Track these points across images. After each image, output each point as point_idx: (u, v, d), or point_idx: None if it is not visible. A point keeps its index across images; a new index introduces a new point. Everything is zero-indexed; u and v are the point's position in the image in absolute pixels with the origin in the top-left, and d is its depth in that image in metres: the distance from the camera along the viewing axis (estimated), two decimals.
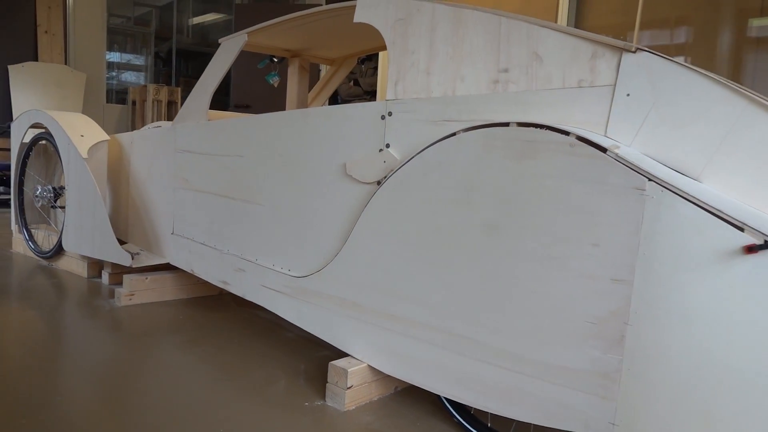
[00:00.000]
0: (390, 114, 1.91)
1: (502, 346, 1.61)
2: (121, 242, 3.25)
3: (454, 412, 1.82)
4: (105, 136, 3.35)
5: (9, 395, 1.86)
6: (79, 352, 2.25)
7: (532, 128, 1.56)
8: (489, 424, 1.82)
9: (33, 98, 5.69)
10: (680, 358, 1.34)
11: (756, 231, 1.25)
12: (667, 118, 1.51)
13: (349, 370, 1.91)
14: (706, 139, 1.47)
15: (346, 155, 2.03)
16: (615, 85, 1.56)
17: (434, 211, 1.76)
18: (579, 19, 4.36)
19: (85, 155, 3.18)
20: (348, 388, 1.91)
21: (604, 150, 1.45)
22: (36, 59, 6.32)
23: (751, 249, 1.25)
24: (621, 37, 4.11)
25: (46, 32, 6.47)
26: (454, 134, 1.72)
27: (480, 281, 1.65)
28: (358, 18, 2.05)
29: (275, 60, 3.36)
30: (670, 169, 1.47)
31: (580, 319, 1.48)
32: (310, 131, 2.17)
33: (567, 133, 1.50)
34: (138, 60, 8.68)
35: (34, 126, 3.73)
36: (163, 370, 2.13)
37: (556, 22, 4.49)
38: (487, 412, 1.88)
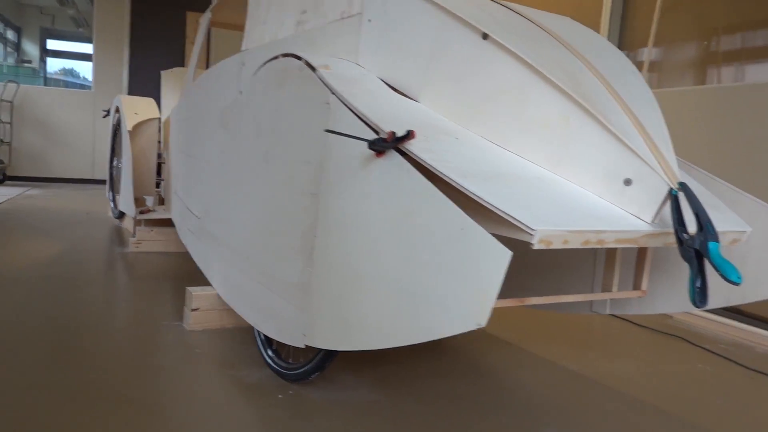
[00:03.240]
0: (244, 64, 2.09)
1: (265, 267, 1.70)
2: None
3: (258, 340, 1.93)
4: (158, 115, 3.93)
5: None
6: (69, 269, 2.75)
7: (281, 58, 1.65)
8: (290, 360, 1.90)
9: (178, 98, 6.71)
10: (340, 267, 1.34)
11: (387, 132, 1.22)
12: (394, 40, 1.51)
13: (193, 294, 2.11)
14: (419, 59, 1.44)
15: (224, 103, 2.25)
16: (362, 12, 1.59)
17: (243, 143, 1.90)
18: None
19: (129, 128, 3.78)
20: (194, 309, 2.11)
21: (314, 70, 1.50)
22: (183, 66, 7.43)
23: (378, 152, 1.23)
24: None
25: (192, 43, 7.58)
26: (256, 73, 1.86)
27: (259, 208, 1.76)
28: None
29: None
30: (387, 89, 1.47)
31: (296, 234, 1.53)
32: (208, 89, 2.43)
33: (300, 59, 1.57)
34: None
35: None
36: (97, 284, 2.53)
37: None
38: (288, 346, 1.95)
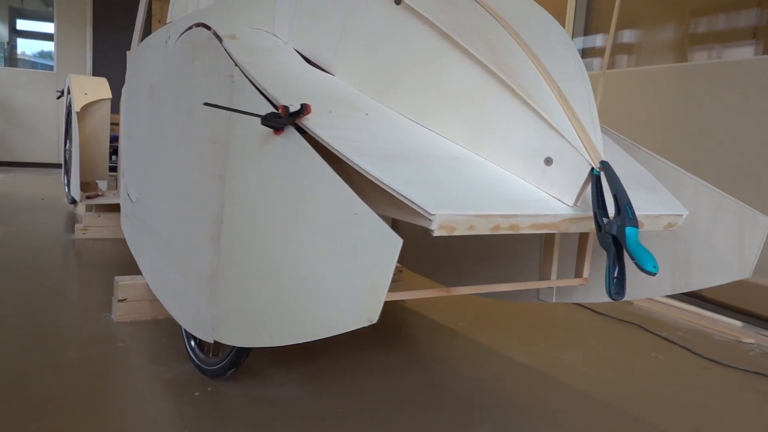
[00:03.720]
0: (169, 37, 1.95)
1: (182, 255, 1.58)
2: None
3: (183, 333, 1.81)
4: (109, 96, 3.76)
5: None
6: (8, 257, 2.62)
7: (194, 28, 1.52)
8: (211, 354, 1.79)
9: None
10: (242, 256, 1.22)
11: (280, 107, 1.10)
12: (308, 9, 1.38)
13: (120, 283, 1.99)
14: (332, 29, 1.32)
15: (152, 80, 2.11)
16: None
17: (165, 122, 1.77)
18: None
19: (78, 109, 3.61)
20: (121, 300, 1.99)
21: (221, 41, 1.37)
22: None
23: (276, 129, 1.11)
24: None
25: (159, 21, 7.35)
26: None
27: (177, 191, 1.64)
28: None
29: None
30: (300, 61, 1.34)
31: (206, 221, 1.41)
32: (140, 65, 2.28)
33: (209, 29, 1.44)
34: None
35: None
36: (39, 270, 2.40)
37: None
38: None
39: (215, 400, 1.48)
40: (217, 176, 1.34)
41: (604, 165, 1.02)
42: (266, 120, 1.07)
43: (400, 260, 2.43)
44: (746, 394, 1.76)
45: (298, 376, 1.66)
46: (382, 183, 0.96)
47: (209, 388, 1.54)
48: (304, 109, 1.04)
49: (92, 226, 3.27)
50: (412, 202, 0.93)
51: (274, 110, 1.08)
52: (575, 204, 1.07)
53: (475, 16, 1.22)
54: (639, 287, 1.60)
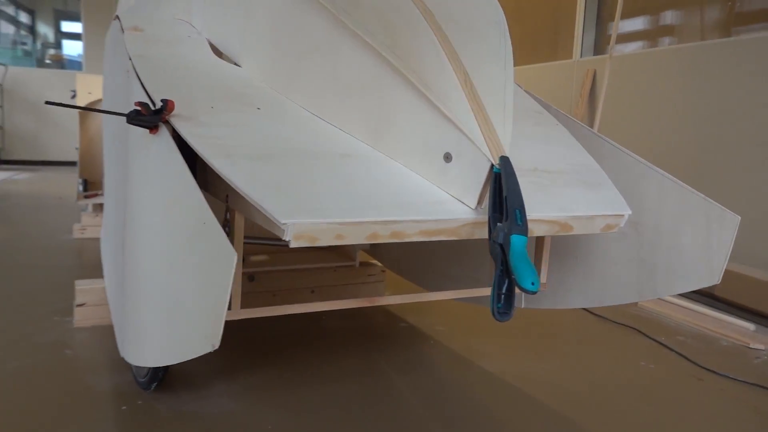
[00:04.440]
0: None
1: (117, 263, 1.50)
2: None
3: None
4: None
5: None
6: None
7: (115, 20, 1.43)
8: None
9: None
10: (129, 267, 1.13)
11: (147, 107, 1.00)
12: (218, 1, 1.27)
13: (78, 288, 1.94)
14: (237, 17, 1.21)
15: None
16: None
17: (108, 120, 1.70)
18: None
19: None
20: (80, 305, 1.94)
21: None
22: None
23: (150, 128, 1.00)
24: None
25: None
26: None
27: (114, 195, 1.56)
28: None
29: None
30: (207, 53, 1.24)
31: (121, 228, 1.32)
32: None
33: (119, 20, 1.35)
34: None
35: None
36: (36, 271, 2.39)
37: None
38: None
39: (141, 414, 1.40)
40: (123, 180, 1.26)
41: (503, 161, 0.87)
42: (130, 119, 0.96)
43: (381, 260, 2.31)
44: (740, 412, 1.57)
45: (239, 388, 1.56)
46: (236, 186, 0.84)
47: (140, 402, 1.46)
48: (165, 106, 0.93)
49: (90, 226, 3.26)
50: (263, 209, 0.81)
51: (136, 108, 0.98)
52: (479, 206, 0.93)
53: None
54: (603, 293, 1.44)
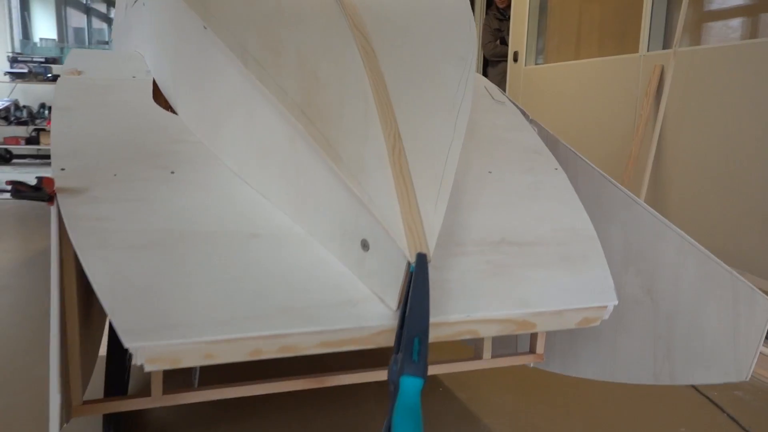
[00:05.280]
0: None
1: None
2: None
3: None
4: None
5: None
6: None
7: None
8: None
9: None
10: None
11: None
12: (156, 29, 1.13)
13: None
14: (169, 54, 1.07)
15: None
16: None
17: None
18: None
19: None
20: None
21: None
22: None
23: (48, 201, 0.89)
24: None
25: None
26: None
27: None
28: None
29: None
30: (144, 98, 1.11)
31: None
32: None
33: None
34: None
35: None
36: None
37: None
38: None
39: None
40: None
41: (419, 261, 0.68)
42: (16, 193, 0.85)
43: None
44: None
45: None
46: (96, 288, 0.70)
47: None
48: (41, 184, 0.81)
49: None
50: (113, 324, 0.67)
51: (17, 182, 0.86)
52: (398, 308, 0.74)
53: (308, 32, 0.90)
54: (614, 367, 1.21)
